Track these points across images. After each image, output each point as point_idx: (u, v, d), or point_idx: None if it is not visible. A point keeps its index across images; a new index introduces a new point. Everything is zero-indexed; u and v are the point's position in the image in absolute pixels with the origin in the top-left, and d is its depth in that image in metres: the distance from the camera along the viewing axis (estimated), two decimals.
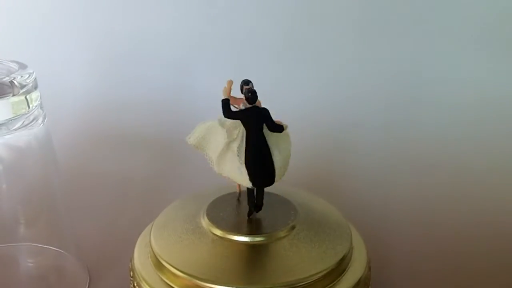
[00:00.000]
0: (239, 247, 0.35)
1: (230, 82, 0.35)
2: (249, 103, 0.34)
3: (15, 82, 0.38)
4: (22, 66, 0.41)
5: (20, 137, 0.41)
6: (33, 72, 0.40)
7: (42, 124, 0.42)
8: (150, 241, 0.37)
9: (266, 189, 0.39)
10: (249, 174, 0.35)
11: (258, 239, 0.36)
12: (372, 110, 0.71)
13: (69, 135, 0.67)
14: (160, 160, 0.66)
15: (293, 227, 0.37)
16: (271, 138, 0.35)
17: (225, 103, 0.34)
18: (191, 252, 0.35)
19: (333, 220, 0.39)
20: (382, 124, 0.70)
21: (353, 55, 0.73)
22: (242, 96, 0.35)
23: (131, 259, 0.38)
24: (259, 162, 0.35)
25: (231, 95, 0.35)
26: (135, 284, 0.37)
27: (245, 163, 0.35)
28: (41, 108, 0.41)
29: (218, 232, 0.36)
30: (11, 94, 0.38)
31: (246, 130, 0.35)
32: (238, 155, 0.35)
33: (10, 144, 0.42)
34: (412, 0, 0.71)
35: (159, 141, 0.69)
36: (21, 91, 0.38)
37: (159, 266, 0.36)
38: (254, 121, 0.34)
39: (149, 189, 0.61)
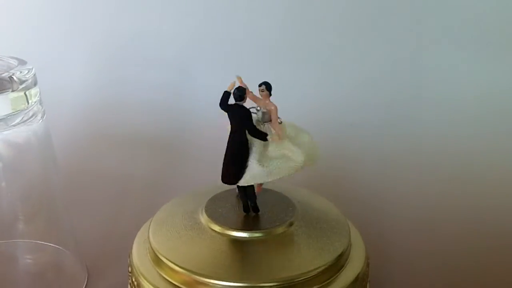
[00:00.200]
0: (237, 243, 0.35)
1: (239, 78, 0.35)
2: (234, 99, 0.35)
3: (14, 77, 0.38)
4: (22, 62, 0.41)
5: (19, 133, 0.41)
6: (32, 68, 0.40)
7: (41, 120, 0.42)
8: (148, 237, 0.37)
9: (265, 186, 0.40)
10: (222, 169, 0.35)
11: (256, 235, 0.36)
12: (371, 108, 0.71)
13: (69, 132, 0.67)
14: (159, 158, 0.66)
15: (291, 224, 0.37)
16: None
17: (225, 95, 0.35)
18: (189, 247, 0.35)
19: (331, 217, 0.39)
20: (381, 123, 0.70)
21: (353, 55, 0.73)
22: (261, 97, 0.36)
23: (129, 254, 0.38)
24: (227, 159, 0.35)
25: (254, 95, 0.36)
26: (134, 280, 0.37)
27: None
28: (40, 104, 0.41)
29: (217, 228, 0.36)
30: (10, 90, 0.38)
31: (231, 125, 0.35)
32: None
33: (9, 140, 0.42)
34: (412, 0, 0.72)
35: (158, 139, 0.69)
36: (20, 86, 0.38)
37: (157, 261, 0.36)
38: (234, 119, 0.35)
39: (148, 187, 0.61)
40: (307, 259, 0.34)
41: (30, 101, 0.39)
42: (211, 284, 0.33)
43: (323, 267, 0.34)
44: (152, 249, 0.36)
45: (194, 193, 0.42)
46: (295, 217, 0.37)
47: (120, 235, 0.51)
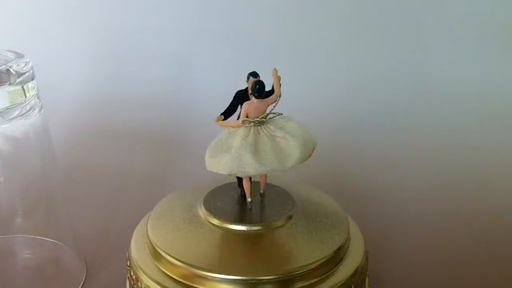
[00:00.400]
0: (236, 236, 0.35)
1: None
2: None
3: (11, 70, 0.38)
4: (19, 56, 0.41)
5: (17, 127, 0.41)
6: (29, 61, 0.40)
7: (39, 114, 0.42)
8: (147, 231, 0.37)
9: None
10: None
11: (255, 228, 0.36)
12: (372, 105, 0.71)
13: (67, 127, 0.67)
14: (158, 153, 0.66)
15: (290, 217, 0.37)
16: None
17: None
18: (188, 241, 0.35)
19: (331, 211, 0.39)
20: (382, 119, 0.70)
21: (354, 52, 0.73)
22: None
23: (128, 248, 0.38)
24: None
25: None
26: (132, 274, 0.36)
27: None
28: (38, 98, 0.41)
29: (215, 222, 0.36)
30: (8, 83, 0.38)
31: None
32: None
33: (6, 134, 0.42)
34: None
35: (157, 134, 0.69)
36: (18, 80, 0.38)
37: (156, 255, 0.35)
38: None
39: (146, 181, 0.61)
40: (306, 252, 0.34)
41: (27, 95, 0.39)
42: (209, 277, 0.33)
43: (322, 260, 0.34)
44: (151, 243, 0.36)
45: (192, 187, 0.42)
46: (294, 211, 0.37)
47: (119, 230, 0.51)
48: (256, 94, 0.34)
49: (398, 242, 0.50)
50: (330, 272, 0.34)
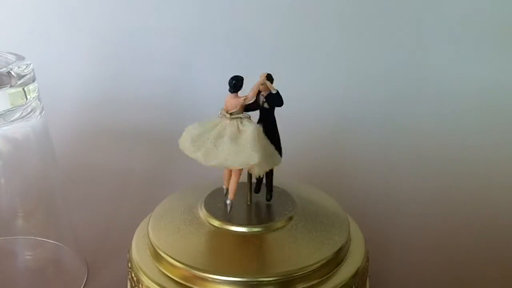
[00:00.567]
0: (236, 237, 0.35)
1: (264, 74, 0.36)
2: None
3: (12, 73, 0.38)
4: (20, 58, 0.41)
5: (17, 128, 0.41)
6: (30, 64, 0.40)
7: (39, 116, 0.42)
8: (148, 232, 0.37)
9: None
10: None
11: (255, 229, 0.36)
12: (372, 105, 0.71)
13: (67, 128, 0.67)
14: (158, 153, 0.66)
15: (290, 218, 0.37)
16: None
17: (279, 94, 0.36)
18: (188, 242, 0.35)
19: (331, 211, 0.39)
20: (382, 119, 0.70)
21: (354, 51, 0.73)
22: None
23: (129, 250, 0.38)
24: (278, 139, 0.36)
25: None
26: (133, 275, 0.37)
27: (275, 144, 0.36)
28: (38, 100, 0.41)
29: (216, 223, 0.36)
30: (9, 85, 0.38)
31: (268, 112, 0.36)
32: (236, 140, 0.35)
33: (7, 136, 0.42)
34: None
35: (157, 134, 0.69)
36: (19, 82, 0.38)
37: (156, 256, 0.35)
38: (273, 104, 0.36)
39: (147, 182, 0.61)
40: (307, 253, 0.34)
41: (28, 97, 0.39)
42: (210, 278, 0.33)
43: (322, 262, 0.34)
44: (152, 244, 0.36)
45: (193, 188, 0.42)
46: (294, 212, 0.37)
47: (120, 230, 0.51)
48: (229, 89, 0.35)
49: (398, 242, 0.51)
50: (331, 273, 0.34)
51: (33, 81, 0.40)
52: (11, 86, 0.38)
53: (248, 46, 0.74)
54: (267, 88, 0.36)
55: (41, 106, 0.42)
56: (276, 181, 0.40)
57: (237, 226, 0.36)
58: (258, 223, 0.36)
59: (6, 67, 0.39)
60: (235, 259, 0.34)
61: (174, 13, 0.76)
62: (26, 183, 0.47)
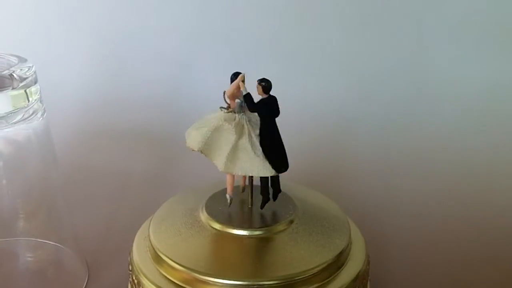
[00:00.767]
0: (237, 240, 0.35)
1: (243, 76, 0.35)
2: (265, 93, 0.35)
3: (14, 75, 0.38)
4: (22, 60, 0.41)
5: (19, 130, 0.41)
6: (32, 66, 0.40)
7: (41, 118, 0.42)
8: (149, 235, 0.37)
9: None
10: (271, 161, 0.35)
11: (256, 233, 0.36)
12: (372, 105, 0.71)
13: (69, 130, 0.67)
14: (159, 154, 0.66)
15: (291, 221, 0.37)
16: None
17: (249, 97, 0.35)
18: (189, 245, 0.35)
19: (332, 215, 0.39)
20: (382, 120, 0.70)
21: (354, 52, 0.73)
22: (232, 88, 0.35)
23: (130, 252, 0.38)
24: (277, 148, 0.35)
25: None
26: (134, 278, 0.37)
27: (264, 153, 0.35)
28: (40, 102, 0.41)
29: (217, 226, 0.36)
30: (11, 87, 0.38)
31: (262, 120, 0.35)
32: (252, 149, 0.35)
33: (9, 138, 0.42)
34: None
35: (158, 135, 0.69)
36: (21, 84, 0.38)
37: (157, 259, 0.36)
38: (273, 110, 0.35)
39: (148, 184, 0.61)
40: (308, 257, 0.34)
41: (30, 99, 0.39)
42: (211, 282, 0.33)
43: (323, 265, 0.34)
44: (153, 247, 0.36)
45: (194, 190, 0.42)
46: (295, 215, 0.37)
47: (120, 232, 0.52)
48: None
49: (398, 244, 0.51)
50: (331, 277, 0.34)
51: (35, 83, 0.40)
52: (13, 88, 0.38)
53: (248, 46, 0.74)
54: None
55: (42, 108, 0.42)
56: None
57: (238, 229, 0.36)
58: (259, 226, 0.36)
59: (8, 69, 0.39)
60: (236, 262, 0.34)
61: (174, 13, 0.76)
62: (27, 184, 0.47)
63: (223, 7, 0.75)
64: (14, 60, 0.41)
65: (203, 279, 0.33)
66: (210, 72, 0.73)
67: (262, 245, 0.35)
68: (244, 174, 0.36)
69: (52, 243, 0.48)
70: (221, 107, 0.36)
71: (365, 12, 0.73)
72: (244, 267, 0.34)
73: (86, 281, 0.47)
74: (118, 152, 0.67)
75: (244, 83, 0.35)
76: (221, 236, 0.36)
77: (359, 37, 0.73)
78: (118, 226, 0.53)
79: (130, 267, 0.38)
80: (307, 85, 0.73)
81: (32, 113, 0.40)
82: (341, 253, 0.35)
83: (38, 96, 0.41)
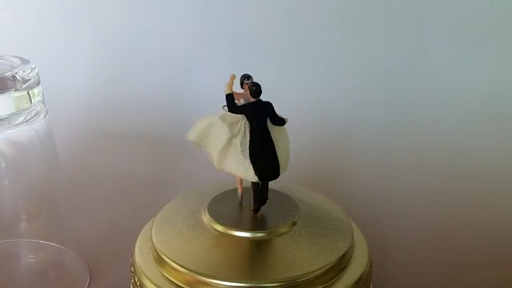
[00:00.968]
0: (240, 242, 0.35)
1: (233, 77, 0.35)
2: (254, 97, 0.34)
3: (17, 76, 0.38)
4: (25, 61, 0.41)
5: (21, 132, 0.41)
6: (35, 67, 0.40)
7: (44, 120, 0.42)
8: (151, 237, 0.37)
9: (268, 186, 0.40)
10: (255, 168, 0.35)
11: (259, 234, 0.36)
12: (372, 107, 0.71)
13: (71, 131, 0.67)
14: (161, 156, 0.66)
15: (294, 223, 0.37)
16: (272, 132, 0.35)
17: (230, 98, 0.34)
18: (192, 247, 0.35)
19: (334, 217, 0.39)
20: (382, 121, 0.70)
21: (354, 53, 0.73)
22: (242, 91, 0.35)
23: (132, 254, 0.38)
24: (264, 156, 0.35)
25: (233, 90, 0.35)
26: (136, 280, 0.37)
27: (250, 158, 0.35)
28: (43, 103, 0.41)
29: (219, 228, 0.36)
30: (13, 89, 0.38)
31: (250, 124, 0.35)
32: (241, 150, 0.35)
33: (11, 140, 0.42)
34: None
35: (160, 137, 0.69)
36: (24, 86, 0.38)
37: (160, 261, 0.35)
38: (259, 114, 0.34)
39: (150, 185, 0.61)
40: (310, 259, 0.34)
41: (33, 100, 0.39)
42: (213, 284, 0.33)
43: (326, 267, 0.34)
44: (155, 248, 0.36)
45: (196, 192, 0.42)
46: (298, 217, 0.37)
47: (122, 234, 0.52)
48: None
49: (399, 245, 0.51)
50: (334, 279, 0.34)
51: (38, 84, 0.40)
52: (16, 90, 0.38)
53: (250, 48, 0.74)
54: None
55: (45, 109, 0.42)
56: (279, 186, 0.40)
57: (241, 231, 0.36)
58: (262, 228, 0.36)
59: (11, 70, 0.39)
60: (238, 264, 0.34)
61: (176, 15, 0.76)
62: (29, 186, 0.47)
63: (225, 9, 0.75)
64: (17, 61, 0.41)
65: (205, 281, 0.33)
66: (212, 74, 0.73)
67: (264, 247, 0.35)
68: (233, 173, 0.36)
69: (54, 244, 0.48)
70: (224, 106, 0.36)
71: (366, 14, 0.73)
72: (247, 269, 0.34)
73: (87, 283, 0.47)
74: (120, 154, 0.67)
75: (231, 83, 0.34)
76: (223, 238, 0.36)
77: (359, 38, 0.73)
78: (120, 227, 0.53)
79: (132, 269, 0.38)
80: (308, 86, 0.73)
81: (35, 115, 0.40)
82: (343, 255, 0.35)
83: (41, 98, 0.41)
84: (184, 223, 0.37)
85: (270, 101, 0.35)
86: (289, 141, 0.36)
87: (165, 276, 0.35)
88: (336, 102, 0.72)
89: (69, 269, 0.48)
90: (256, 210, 0.37)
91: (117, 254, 0.48)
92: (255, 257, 0.35)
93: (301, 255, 0.34)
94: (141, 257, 0.37)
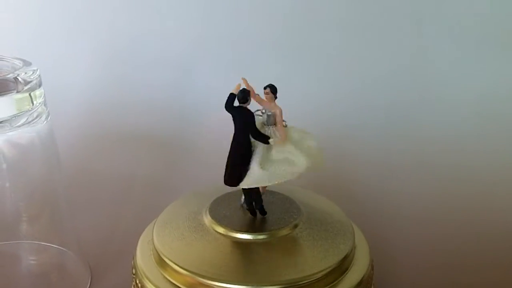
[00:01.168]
0: (241, 245, 0.35)
1: (244, 80, 0.35)
2: (239, 102, 0.35)
3: (19, 78, 0.38)
4: (26, 63, 0.41)
5: (23, 134, 0.41)
6: (37, 69, 0.40)
7: (45, 122, 0.42)
8: (152, 239, 0.37)
9: (270, 188, 0.40)
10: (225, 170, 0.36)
11: (260, 237, 0.36)
12: (373, 109, 0.71)
13: (72, 133, 0.67)
14: (162, 158, 0.66)
15: (295, 226, 0.37)
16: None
17: (231, 97, 0.35)
18: (193, 249, 0.35)
19: (336, 219, 0.39)
20: (383, 124, 0.70)
21: (355, 56, 0.73)
22: (266, 99, 0.36)
23: (133, 256, 0.38)
24: (232, 164, 0.35)
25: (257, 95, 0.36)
26: (137, 281, 0.37)
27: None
28: (44, 105, 0.41)
29: (221, 230, 0.36)
30: (15, 91, 0.38)
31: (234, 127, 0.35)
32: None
33: (13, 141, 0.42)
34: (413, 0, 0.72)
35: (161, 139, 0.69)
36: (25, 87, 0.38)
37: (161, 263, 0.36)
38: (237, 121, 0.35)
39: (151, 187, 0.61)
40: (312, 261, 0.34)
41: (34, 102, 0.39)
42: (215, 286, 0.33)
43: (327, 270, 0.34)
44: (156, 250, 0.36)
45: (197, 194, 0.42)
46: (299, 219, 0.37)
47: (124, 236, 0.52)
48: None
49: (400, 247, 0.51)
50: (336, 282, 0.34)
51: (39, 86, 0.40)
52: (17, 92, 0.38)
53: (251, 50, 0.74)
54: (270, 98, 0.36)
55: (47, 111, 0.42)
56: (280, 188, 0.40)
57: (242, 233, 0.36)
58: (263, 230, 0.36)
59: (13, 72, 0.39)
60: (240, 266, 0.34)
61: (177, 17, 0.76)
62: (30, 187, 0.47)
63: (226, 11, 0.75)
64: (19, 63, 0.41)
65: (206, 283, 0.33)
66: (213, 76, 0.73)
67: (266, 250, 0.35)
68: None
69: (55, 246, 0.48)
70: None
71: (366, 17, 0.73)
72: (248, 271, 0.34)
73: (89, 284, 0.47)
74: (121, 156, 0.67)
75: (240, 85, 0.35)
76: (225, 240, 0.36)
77: (360, 40, 0.73)
78: (122, 229, 0.53)
79: (134, 271, 0.38)
80: (309, 88, 0.73)
81: (36, 117, 0.40)
82: (345, 257, 0.35)
83: (43, 100, 0.41)
84: (186, 225, 0.38)
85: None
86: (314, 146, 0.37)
87: (166, 278, 0.35)
88: (337, 104, 0.72)
89: (70, 271, 0.48)
90: (252, 212, 0.38)
91: (118, 256, 0.48)
92: (256, 259, 0.35)
93: (302, 258, 0.35)
94: (143, 259, 0.37)
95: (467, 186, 0.60)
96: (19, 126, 0.39)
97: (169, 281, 0.35)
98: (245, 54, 0.74)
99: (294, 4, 0.73)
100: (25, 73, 0.39)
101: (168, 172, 0.63)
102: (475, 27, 0.70)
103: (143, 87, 0.75)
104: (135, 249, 0.38)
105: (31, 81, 0.39)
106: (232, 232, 0.36)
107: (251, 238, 0.36)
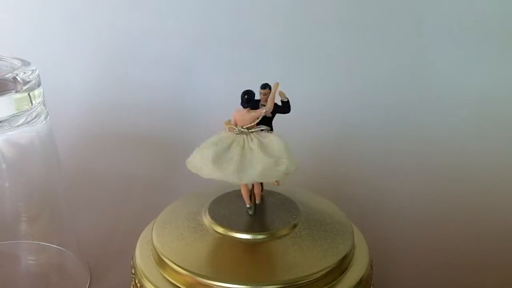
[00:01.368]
0: (240, 244, 0.35)
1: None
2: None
3: (18, 78, 0.38)
4: (25, 63, 0.41)
5: (22, 133, 0.41)
6: (36, 69, 0.40)
7: (44, 121, 0.42)
8: (152, 239, 0.37)
9: (269, 188, 0.40)
10: None
11: (260, 237, 0.36)
12: (373, 110, 0.71)
13: (72, 133, 0.67)
14: (162, 158, 0.66)
15: (295, 226, 0.37)
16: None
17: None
18: (193, 249, 0.35)
19: (335, 219, 0.39)
20: (383, 124, 0.70)
21: (355, 56, 0.73)
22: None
23: (132, 256, 0.38)
24: None
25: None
26: (137, 281, 0.37)
27: None
28: (44, 105, 0.41)
29: (220, 230, 0.36)
30: (14, 91, 0.38)
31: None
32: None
33: (12, 141, 0.42)
34: (413, 0, 0.72)
35: (161, 139, 0.69)
36: (24, 87, 0.38)
37: (160, 263, 0.35)
38: None
39: (150, 187, 0.61)
40: (311, 261, 0.34)
41: (33, 102, 0.39)
42: (214, 286, 0.33)
43: (327, 270, 0.34)
44: (155, 250, 0.36)
45: (197, 194, 0.42)
46: (298, 219, 0.37)
47: (123, 236, 0.52)
48: (242, 104, 0.35)
49: (399, 247, 0.51)
50: (335, 282, 0.34)
51: (39, 86, 0.40)
52: (16, 92, 0.38)
53: (251, 51, 0.74)
54: (267, 98, 0.35)
55: (46, 111, 0.42)
56: (280, 188, 0.40)
57: (241, 233, 0.36)
58: (262, 230, 0.36)
59: (11, 72, 0.39)
60: (239, 266, 0.34)
61: (177, 17, 0.76)
62: (30, 187, 0.47)
63: (226, 11, 0.75)
64: (18, 63, 0.41)
65: (206, 283, 0.33)
66: (213, 76, 0.73)
67: (265, 249, 0.35)
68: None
69: (54, 246, 0.48)
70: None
71: (367, 17, 0.73)
72: (247, 271, 0.34)
73: (88, 284, 0.47)
74: (121, 156, 0.67)
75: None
76: (224, 240, 0.36)
77: (361, 41, 0.73)
78: (121, 229, 0.53)
79: (133, 271, 0.37)
80: (310, 89, 0.73)
81: (36, 116, 0.40)
82: (344, 257, 0.35)
83: (42, 99, 0.41)
84: (185, 225, 0.38)
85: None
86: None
87: (165, 278, 0.35)
88: (337, 104, 0.72)
89: (69, 271, 0.48)
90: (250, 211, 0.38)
91: (117, 256, 0.48)
92: (255, 259, 0.35)
93: (302, 257, 0.34)
94: (142, 259, 0.37)
95: (467, 186, 0.60)
96: (18, 126, 0.39)
97: (169, 281, 0.35)
98: (245, 54, 0.74)
99: (294, 4, 0.73)
100: (24, 73, 0.39)
101: (168, 172, 0.63)
102: (475, 27, 0.70)
103: (143, 87, 0.75)
104: (135, 249, 0.38)
105: (30, 81, 0.39)
106: (232, 232, 0.36)
107: (251, 238, 0.36)
